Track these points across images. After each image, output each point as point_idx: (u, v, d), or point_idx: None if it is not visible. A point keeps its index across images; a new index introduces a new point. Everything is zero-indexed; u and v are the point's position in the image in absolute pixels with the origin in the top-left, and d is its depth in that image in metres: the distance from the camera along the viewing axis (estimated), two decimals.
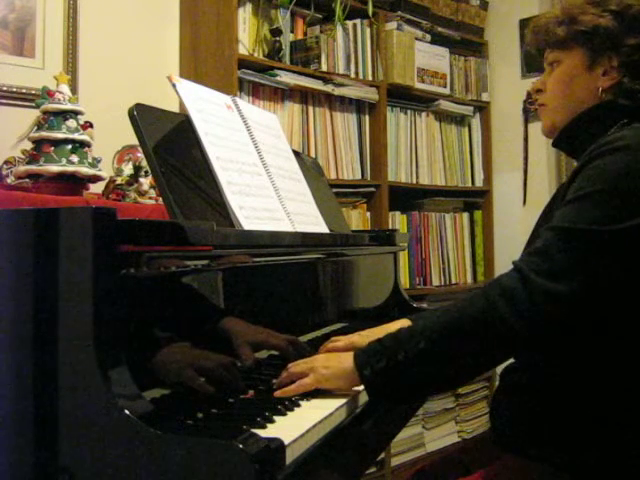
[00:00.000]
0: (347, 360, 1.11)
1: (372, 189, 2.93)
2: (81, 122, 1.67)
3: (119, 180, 1.76)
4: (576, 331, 1.05)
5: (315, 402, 1.09)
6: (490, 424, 1.29)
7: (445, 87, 3.28)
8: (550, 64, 1.30)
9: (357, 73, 2.89)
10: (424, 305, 2.27)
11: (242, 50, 2.49)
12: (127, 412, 0.79)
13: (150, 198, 1.74)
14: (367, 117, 2.97)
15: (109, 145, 1.93)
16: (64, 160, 1.59)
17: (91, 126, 1.71)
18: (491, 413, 1.29)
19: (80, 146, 1.63)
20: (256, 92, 2.55)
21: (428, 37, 3.20)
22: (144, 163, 1.72)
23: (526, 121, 3.38)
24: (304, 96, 2.74)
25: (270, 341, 1.22)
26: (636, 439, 1.08)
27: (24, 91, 2.09)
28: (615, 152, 1.08)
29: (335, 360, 1.14)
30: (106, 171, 1.73)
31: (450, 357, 1.06)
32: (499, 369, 1.27)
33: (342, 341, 1.30)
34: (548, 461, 1.12)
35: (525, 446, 1.16)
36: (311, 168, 1.87)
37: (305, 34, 2.79)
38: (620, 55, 1.21)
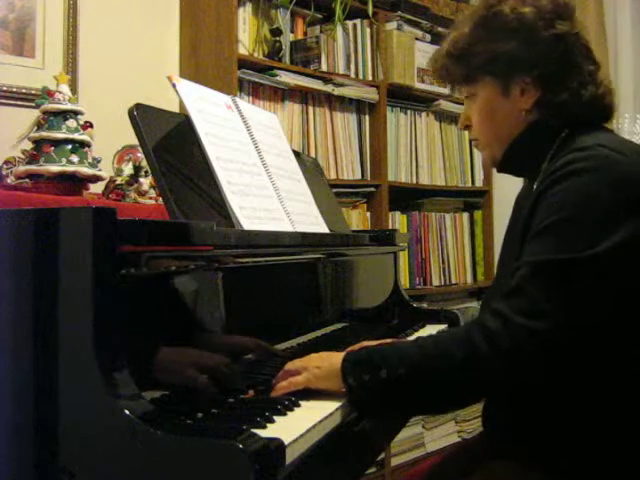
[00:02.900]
0: (338, 362, 1.10)
1: (372, 189, 2.92)
2: (81, 122, 1.67)
3: (119, 180, 1.76)
4: (563, 366, 1.02)
5: (315, 402, 1.09)
6: (483, 428, 1.29)
7: (445, 87, 3.27)
8: (466, 97, 1.27)
9: (357, 73, 2.89)
10: (424, 305, 2.27)
11: (242, 50, 2.49)
12: (127, 412, 0.78)
13: (150, 198, 1.74)
14: (367, 117, 2.97)
15: (109, 145, 1.92)
16: (64, 160, 1.59)
17: (91, 126, 1.71)
18: (483, 417, 1.28)
19: (80, 146, 1.63)
20: (256, 92, 2.55)
21: (428, 37, 3.19)
22: (144, 163, 1.72)
23: None
24: (304, 96, 2.74)
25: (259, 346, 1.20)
26: (628, 444, 1.07)
27: (24, 91, 2.09)
28: (571, 176, 1.05)
29: (327, 361, 1.13)
30: (106, 171, 1.73)
31: (428, 392, 1.06)
32: None
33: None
34: (543, 466, 1.11)
35: (518, 450, 1.15)
36: (311, 168, 1.87)
37: (305, 34, 2.79)
38: (529, 72, 1.16)
